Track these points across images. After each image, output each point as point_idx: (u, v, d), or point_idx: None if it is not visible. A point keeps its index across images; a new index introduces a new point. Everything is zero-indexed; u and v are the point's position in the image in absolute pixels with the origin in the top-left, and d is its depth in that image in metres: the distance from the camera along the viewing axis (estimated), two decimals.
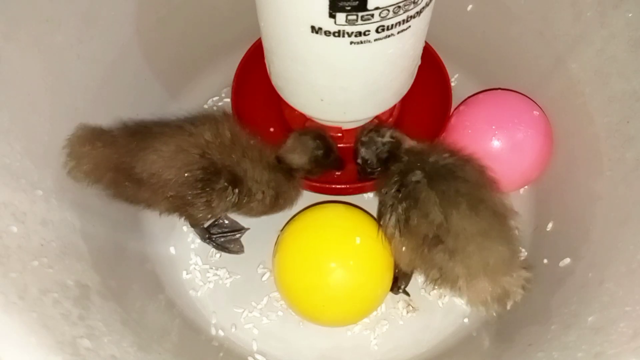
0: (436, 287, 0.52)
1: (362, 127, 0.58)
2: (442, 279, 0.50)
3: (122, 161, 0.52)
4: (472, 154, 0.55)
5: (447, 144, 0.57)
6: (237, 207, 0.56)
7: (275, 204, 0.58)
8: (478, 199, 0.50)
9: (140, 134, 0.54)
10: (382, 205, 0.54)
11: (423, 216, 0.49)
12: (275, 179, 0.56)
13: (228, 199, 0.53)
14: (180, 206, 0.54)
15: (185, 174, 0.52)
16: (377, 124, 0.58)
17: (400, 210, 0.51)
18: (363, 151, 0.56)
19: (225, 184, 0.53)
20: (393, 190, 0.52)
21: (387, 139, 0.55)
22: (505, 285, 0.49)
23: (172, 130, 0.54)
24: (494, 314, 0.50)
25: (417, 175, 0.51)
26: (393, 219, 0.51)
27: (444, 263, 0.49)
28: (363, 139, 0.56)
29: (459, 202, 0.49)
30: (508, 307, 0.49)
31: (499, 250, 0.49)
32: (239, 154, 0.54)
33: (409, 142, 0.56)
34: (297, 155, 0.57)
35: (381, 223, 0.53)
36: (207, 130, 0.53)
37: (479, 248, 0.48)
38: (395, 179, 0.52)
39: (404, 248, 0.52)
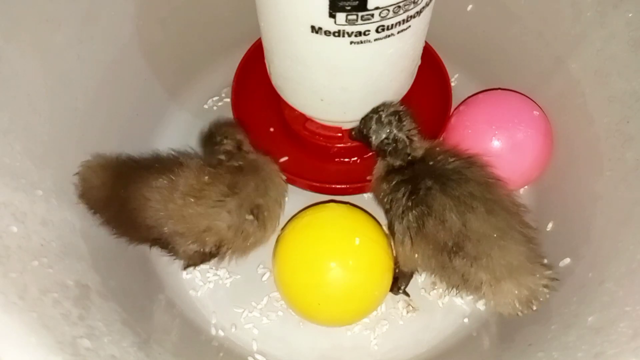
0: (457, 293, 0.51)
1: (384, 104, 0.52)
2: (464, 285, 0.49)
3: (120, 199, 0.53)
4: (474, 154, 0.54)
5: (448, 145, 0.55)
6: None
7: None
8: (492, 201, 0.49)
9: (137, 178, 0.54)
10: (389, 214, 0.52)
11: (439, 223, 0.48)
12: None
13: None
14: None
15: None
16: (400, 107, 0.52)
17: (411, 217, 0.50)
18: (372, 132, 0.52)
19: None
20: (403, 198, 0.50)
21: (402, 135, 0.51)
22: (530, 286, 0.48)
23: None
24: (520, 315, 0.49)
25: (428, 182, 0.50)
26: (402, 226, 0.50)
27: (466, 269, 0.48)
28: (383, 119, 0.51)
29: (475, 206, 0.48)
30: (535, 308, 0.48)
31: (520, 250, 0.48)
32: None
33: (418, 145, 0.52)
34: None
35: (390, 230, 0.53)
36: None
37: (501, 251, 0.47)
38: (402, 187, 0.51)
39: (416, 255, 0.51)
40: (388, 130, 0.52)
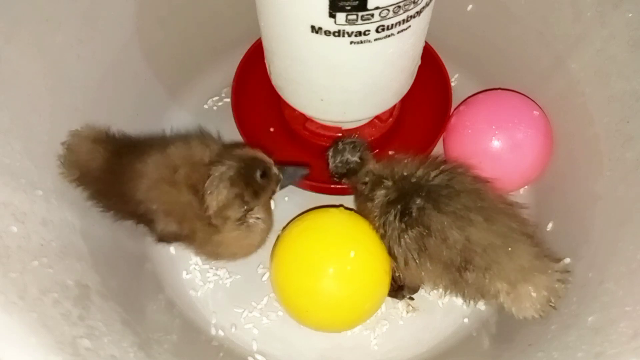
0: (476, 303, 0.52)
1: (344, 136, 0.58)
2: (481, 297, 0.49)
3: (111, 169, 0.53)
4: (458, 162, 0.54)
5: (427, 158, 0.55)
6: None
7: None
8: (489, 208, 0.49)
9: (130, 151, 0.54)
10: (386, 239, 0.52)
11: (442, 242, 0.48)
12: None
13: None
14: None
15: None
16: (357, 139, 0.57)
17: (408, 239, 0.49)
18: (329, 158, 0.57)
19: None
20: (396, 221, 0.50)
21: (354, 158, 0.55)
22: (547, 284, 0.47)
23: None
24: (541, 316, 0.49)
25: (418, 202, 0.49)
26: (402, 249, 0.50)
27: (479, 281, 0.48)
28: (339, 146, 0.56)
29: (472, 218, 0.48)
30: (555, 306, 0.48)
31: (527, 250, 0.48)
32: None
33: (373, 165, 0.55)
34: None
35: (391, 255, 0.52)
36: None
37: (509, 256, 0.47)
38: (392, 208, 0.50)
39: (423, 274, 0.50)
40: (342, 155, 0.56)
